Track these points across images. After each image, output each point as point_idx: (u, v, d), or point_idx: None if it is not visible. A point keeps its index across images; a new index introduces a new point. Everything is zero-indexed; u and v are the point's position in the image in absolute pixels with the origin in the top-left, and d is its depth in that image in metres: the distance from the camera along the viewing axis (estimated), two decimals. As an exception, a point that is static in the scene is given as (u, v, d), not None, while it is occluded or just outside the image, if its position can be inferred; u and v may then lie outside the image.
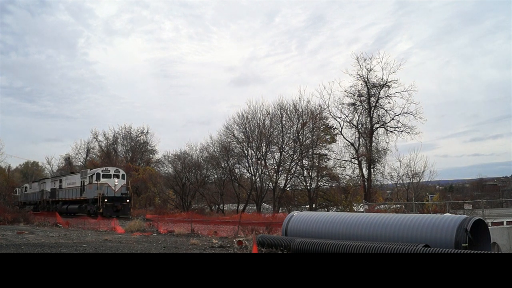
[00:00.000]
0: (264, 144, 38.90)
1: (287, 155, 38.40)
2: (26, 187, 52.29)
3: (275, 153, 38.93)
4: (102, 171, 33.53)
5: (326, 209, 36.60)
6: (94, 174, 33.10)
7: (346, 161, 37.07)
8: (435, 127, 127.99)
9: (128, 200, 32.50)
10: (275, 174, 38.11)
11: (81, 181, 35.50)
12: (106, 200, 30.87)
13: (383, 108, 35.15)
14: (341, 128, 36.75)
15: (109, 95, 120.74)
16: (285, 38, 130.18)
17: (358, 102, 35.76)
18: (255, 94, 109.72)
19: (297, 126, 37.93)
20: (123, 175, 34.21)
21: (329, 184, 38.17)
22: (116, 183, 32.44)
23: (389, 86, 34.48)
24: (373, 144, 35.73)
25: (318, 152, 37.78)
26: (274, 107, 39.23)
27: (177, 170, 45.63)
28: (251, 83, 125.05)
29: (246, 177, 42.36)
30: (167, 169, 49.97)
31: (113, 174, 33.57)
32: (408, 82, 69.85)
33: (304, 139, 37.79)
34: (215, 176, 44.07)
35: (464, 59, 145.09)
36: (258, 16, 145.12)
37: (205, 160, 44.07)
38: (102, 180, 32.64)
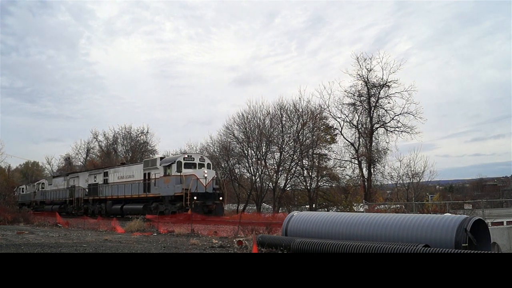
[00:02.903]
0: (264, 144, 38.91)
1: (287, 155, 38.41)
2: (43, 184, 45.07)
3: (275, 153, 38.97)
4: (184, 159, 25.37)
5: (326, 209, 36.61)
6: (173, 162, 25.00)
7: (346, 161, 37.11)
8: (436, 127, 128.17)
9: (221, 198, 24.96)
10: (275, 174, 38.11)
11: (145, 173, 27.49)
12: (195, 197, 23.15)
13: (383, 108, 35.18)
14: (341, 128, 36.78)
15: (109, 96, 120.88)
16: (285, 39, 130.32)
17: (358, 102, 35.77)
18: (255, 95, 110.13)
19: (297, 126, 37.95)
20: (208, 164, 26.47)
21: (329, 184, 38.18)
22: (206, 175, 24.27)
23: (389, 86, 34.49)
24: (373, 144, 35.74)
25: (318, 152, 37.79)
26: (274, 107, 39.31)
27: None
28: (251, 83, 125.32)
29: (246, 177, 42.36)
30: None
31: (199, 163, 25.72)
32: (408, 82, 69.87)
33: (304, 139, 37.79)
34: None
35: (463, 60, 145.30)
36: (258, 17, 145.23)
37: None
38: (185, 170, 24.61)
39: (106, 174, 32.46)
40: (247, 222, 17.68)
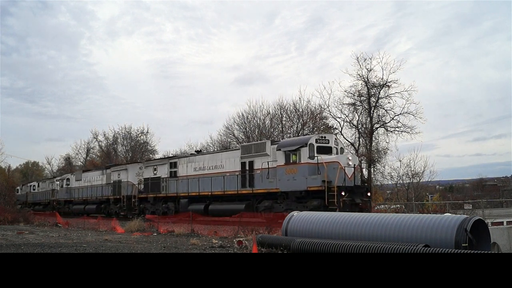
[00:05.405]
0: (264, 144, 38.79)
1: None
2: (68, 180, 38.83)
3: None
4: (317, 141, 19.04)
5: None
6: (304, 146, 18.64)
7: (346, 161, 37.00)
8: (436, 127, 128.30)
9: (369, 194, 19.26)
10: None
11: (244, 162, 21.51)
12: (343, 193, 17.31)
13: (383, 108, 35.14)
14: (341, 128, 36.73)
15: (110, 96, 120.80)
16: (285, 39, 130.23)
17: (358, 102, 35.74)
18: (255, 95, 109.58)
19: (297, 126, 37.92)
20: (342, 148, 20.31)
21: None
22: (350, 162, 18.22)
23: (389, 86, 34.44)
24: (373, 144, 35.73)
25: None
26: (274, 107, 39.31)
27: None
28: (252, 83, 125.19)
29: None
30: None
31: (333, 147, 19.48)
32: (408, 82, 69.96)
33: (304, 139, 37.72)
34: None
35: (463, 60, 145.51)
36: (258, 18, 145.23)
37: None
38: (323, 157, 18.34)
39: (173, 165, 26.09)
40: (247, 222, 17.67)
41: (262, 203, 20.40)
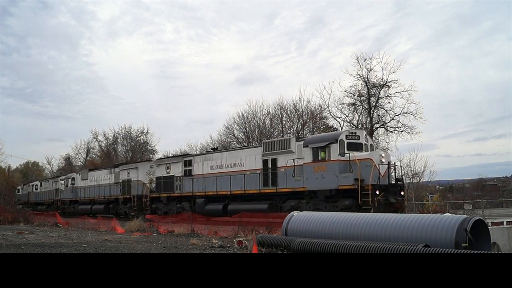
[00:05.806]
0: (264, 144, 38.80)
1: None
2: (73, 179, 37.20)
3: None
4: (347, 136, 18.17)
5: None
6: (334, 142, 17.76)
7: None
8: (437, 127, 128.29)
9: (402, 193, 17.92)
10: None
11: (266, 160, 20.54)
12: (378, 192, 16.39)
13: (383, 108, 35.10)
14: (341, 128, 36.70)
15: (110, 96, 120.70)
16: (284, 39, 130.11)
17: (358, 102, 35.72)
18: (255, 95, 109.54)
19: (297, 126, 37.94)
20: (371, 145, 19.32)
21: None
22: (383, 160, 17.32)
23: (389, 86, 34.41)
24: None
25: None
26: (274, 107, 39.34)
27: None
28: (252, 83, 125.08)
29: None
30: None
31: (364, 143, 18.53)
32: (408, 82, 69.95)
33: (304, 139, 37.74)
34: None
35: (463, 60, 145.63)
36: (258, 18, 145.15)
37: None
38: (355, 154, 17.39)
39: (188, 163, 24.97)
40: (247, 222, 17.66)
41: (287, 203, 19.32)
